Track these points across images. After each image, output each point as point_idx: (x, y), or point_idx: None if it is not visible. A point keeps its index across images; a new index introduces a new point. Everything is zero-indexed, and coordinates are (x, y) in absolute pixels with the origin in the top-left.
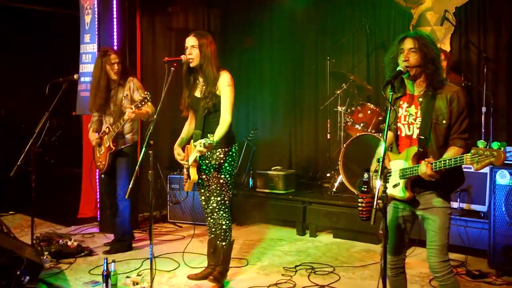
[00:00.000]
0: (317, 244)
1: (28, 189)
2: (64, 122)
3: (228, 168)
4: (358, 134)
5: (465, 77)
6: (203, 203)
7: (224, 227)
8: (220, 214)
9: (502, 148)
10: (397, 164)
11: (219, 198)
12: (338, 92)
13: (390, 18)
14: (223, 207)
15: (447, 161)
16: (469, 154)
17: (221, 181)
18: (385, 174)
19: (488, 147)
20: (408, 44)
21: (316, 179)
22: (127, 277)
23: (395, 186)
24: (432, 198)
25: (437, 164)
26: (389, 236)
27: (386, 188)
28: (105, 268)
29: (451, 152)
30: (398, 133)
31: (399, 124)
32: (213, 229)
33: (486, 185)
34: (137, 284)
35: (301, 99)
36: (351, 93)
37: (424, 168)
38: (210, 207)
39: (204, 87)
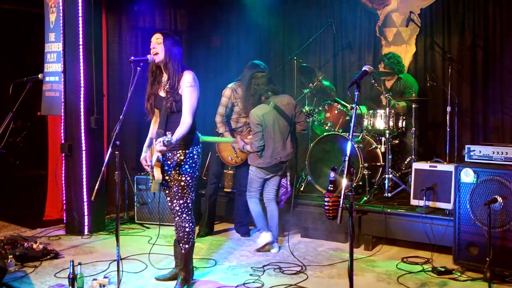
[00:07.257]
0: (284, 243)
1: None
2: (29, 123)
3: (188, 170)
4: (325, 134)
5: (430, 77)
6: (169, 204)
7: (187, 229)
8: (183, 217)
9: None
10: None
11: (181, 201)
12: (306, 91)
13: (356, 19)
14: (186, 209)
15: None
16: None
17: (182, 183)
18: None
19: None
20: None
21: None
22: (94, 279)
23: None
24: None
25: None
26: None
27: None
28: (71, 271)
29: None
30: None
31: None
32: (176, 232)
33: (451, 183)
34: (103, 286)
35: None
36: (320, 91)
37: None
38: (173, 210)
39: (167, 86)
